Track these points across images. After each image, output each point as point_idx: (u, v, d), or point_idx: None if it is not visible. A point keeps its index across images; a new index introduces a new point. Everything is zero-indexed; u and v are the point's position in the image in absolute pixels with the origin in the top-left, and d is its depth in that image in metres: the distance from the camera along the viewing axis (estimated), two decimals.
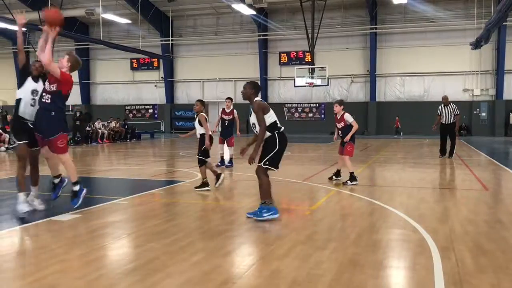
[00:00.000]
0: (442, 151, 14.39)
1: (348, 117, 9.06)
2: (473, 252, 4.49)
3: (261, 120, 5.77)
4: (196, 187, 8.21)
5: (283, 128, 6.00)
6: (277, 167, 6.00)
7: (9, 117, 19.86)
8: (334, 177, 9.36)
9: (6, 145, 17.50)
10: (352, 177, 8.84)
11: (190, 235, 5.08)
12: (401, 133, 28.95)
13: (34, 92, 6.12)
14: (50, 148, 6.42)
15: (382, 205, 6.81)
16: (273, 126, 5.87)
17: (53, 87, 6.16)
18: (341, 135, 9.19)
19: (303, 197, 7.87)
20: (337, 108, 9.19)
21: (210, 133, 8.28)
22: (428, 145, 20.35)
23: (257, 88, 6.05)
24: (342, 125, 9.08)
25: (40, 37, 6.45)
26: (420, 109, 28.81)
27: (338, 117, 9.16)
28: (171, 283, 3.62)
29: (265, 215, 5.74)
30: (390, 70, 30.10)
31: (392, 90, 30.48)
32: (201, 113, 8.34)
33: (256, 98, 5.97)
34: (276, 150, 5.86)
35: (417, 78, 29.80)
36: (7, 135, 17.74)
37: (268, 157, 5.86)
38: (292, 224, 5.84)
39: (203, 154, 8.19)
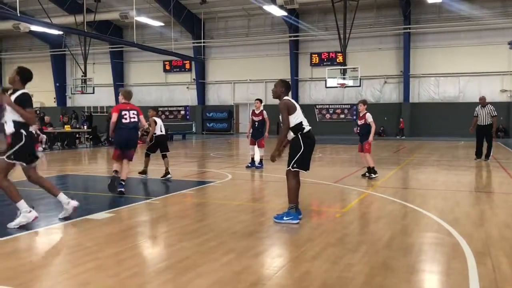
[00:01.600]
0: (478, 154, 14.01)
1: (369, 117, 9.90)
2: (510, 258, 4.35)
3: (284, 119, 5.72)
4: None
5: (309, 128, 5.88)
6: (306, 169, 5.93)
7: (47, 118, 20.47)
8: (367, 174, 9.96)
9: (44, 146, 18.02)
10: (373, 171, 9.80)
11: (221, 236, 5.11)
12: (403, 135, 29.01)
13: None
14: (128, 157, 8.15)
15: (415, 208, 6.68)
16: (297, 128, 5.80)
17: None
18: (359, 131, 10.24)
19: (334, 199, 7.80)
20: (361, 107, 10.19)
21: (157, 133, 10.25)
22: (463, 147, 19.85)
23: (287, 86, 5.99)
24: (362, 122, 10.06)
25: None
26: (455, 110, 28.16)
27: (361, 115, 10.17)
28: (202, 283, 3.65)
29: (285, 218, 5.74)
30: (424, 71, 29.52)
31: (426, 91, 29.89)
32: (152, 118, 10.32)
33: (285, 97, 5.88)
34: (301, 151, 5.80)
35: (452, 79, 29.13)
36: (44, 136, 18.29)
37: (294, 159, 5.81)
38: (322, 226, 5.79)
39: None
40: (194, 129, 34.49)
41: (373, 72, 29.83)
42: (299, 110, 5.84)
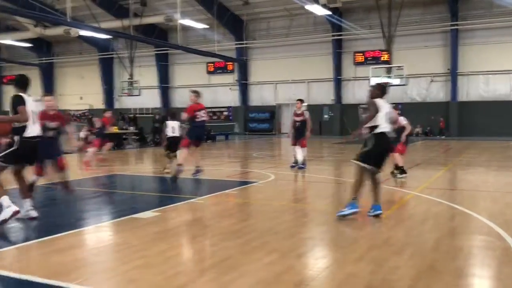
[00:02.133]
0: None
1: (402, 120, 10.09)
2: None
3: (370, 112, 6.04)
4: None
5: (385, 130, 6.09)
6: (372, 166, 6.06)
7: (97, 120, 21.12)
8: (395, 171, 9.83)
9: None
10: (402, 171, 9.66)
11: (263, 236, 5.14)
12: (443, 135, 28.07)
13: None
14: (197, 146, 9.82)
15: (464, 210, 6.47)
16: (373, 127, 6.07)
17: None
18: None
19: None
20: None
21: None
22: None
23: (382, 90, 6.39)
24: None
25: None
26: (506, 109, 27.02)
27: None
28: (245, 282, 3.68)
29: (346, 209, 5.92)
30: (473, 68, 28.47)
31: (475, 89, 28.83)
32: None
33: (378, 99, 6.18)
34: (369, 148, 6.03)
35: (503, 76, 27.95)
36: (93, 137, 18.87)
37: (360, 153, 6.07)
38: (367, 227, 5.71)
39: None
40: (236, 130, 34.74)
41: (419, 71, 29.06)
42: (382, 114, 6.08)
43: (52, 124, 7.10)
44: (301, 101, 12.33)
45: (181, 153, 9.99)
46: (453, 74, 28.44)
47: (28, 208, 5.71)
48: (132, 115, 28.40)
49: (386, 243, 4.86)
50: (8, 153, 5.53)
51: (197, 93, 9.92)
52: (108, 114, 14.13)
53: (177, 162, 9.85)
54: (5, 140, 6.60)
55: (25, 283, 3.69)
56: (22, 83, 5.91)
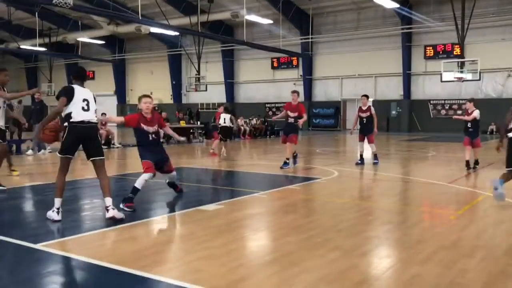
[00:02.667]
0: None
1: (477, 114, 10.71)
2: None
3: (506, 119, 6.28)
4: None
5: None
6: None
7: (164, 114, 21.86)
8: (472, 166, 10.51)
9: (162, 140, 19.27)
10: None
11: (326, 232, 5.09)
12: None
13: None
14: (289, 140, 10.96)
15: None
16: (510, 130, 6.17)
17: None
18: (469, 127, 10.77)
19: (448, 200, 7.36)
20: (469, 105, 10.95)
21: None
22: None
23: None
24: (470, 119, 10.73)
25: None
26: None
27: (469, 112, 10.83)
28: (307, 278, 3.67)
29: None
30: None
31: None
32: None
33: None
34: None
35: None
36: (161, 131, 19.55)
37: (508, 160, 6.38)
38: (435, 228, 5.50)
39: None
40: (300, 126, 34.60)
41: (495, 65, 27.48)
42: None
43: (151, 129, 6.64)
44: (367, 97, 12.17)
45: (289, 147, 11.09)
46: None
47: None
48: (189, 110, 29.03)
49: (455, 245, 4.65)
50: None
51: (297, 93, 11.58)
52: (220, 109, 15.00)
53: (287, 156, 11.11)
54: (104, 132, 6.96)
55: (95, 268, 3.90)
56: (80, 75, 6.09)
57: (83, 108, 5.60)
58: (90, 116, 5.65)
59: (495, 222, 5.79)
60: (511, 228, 5.41)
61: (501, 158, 13.76)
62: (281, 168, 10.78)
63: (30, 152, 13.92)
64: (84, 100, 5.70)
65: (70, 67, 45.69)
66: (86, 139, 5.61)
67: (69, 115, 5.50)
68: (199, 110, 35.98)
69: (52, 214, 5.42)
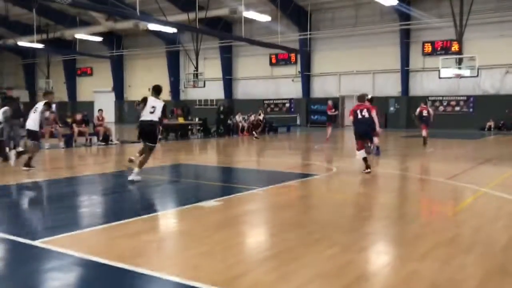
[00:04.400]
0: None
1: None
2: None
3: None
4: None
5: None
6: None
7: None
8: None
9: (160, 137, 19.25)
10: None
11: (325, 228, 5.10)
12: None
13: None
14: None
15: None
16: None
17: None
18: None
19: (446, 196, 7.37)
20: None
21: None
22: None
23: None
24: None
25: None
26: None
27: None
28: (305, 274, 3.68)
29: None
30: None
31: None
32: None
33: None
34: None
35: None
36: (160, 128, 19.54)
37: None
38: (433, 224, 5.52)
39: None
40: (298, 122, 34.58)
41: (493, 61, 27.47)
42: None
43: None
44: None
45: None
46: None
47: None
48: (187, 108, 28.91)
49: (453, 241, 4.67)
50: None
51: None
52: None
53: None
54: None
55: (93, 264, 3.90)
56: (156, 90, 8.89)
57: (150, 112, 8.32)
58: (152, 117, 8.33)
59: (493, 218, 5.80)
60: (509, 224, 5.43)
61: (498, 154, 13.80)
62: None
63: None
64: (153, 107, 8.37)
65: (68, 64, 45.63)
66: (146, 131, 8.41)
67: (140, 116, 8.43)
68: (196, 107, 35.94)
69: (136, 177, 8.02)
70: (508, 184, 8.44)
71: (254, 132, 21.40)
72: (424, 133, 15.99)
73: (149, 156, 8.42)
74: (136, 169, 8.16)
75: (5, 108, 11.51)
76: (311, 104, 34.51)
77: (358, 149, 9.63)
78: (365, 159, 9.55)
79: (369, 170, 9.38)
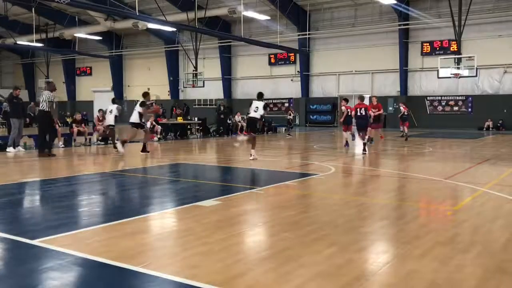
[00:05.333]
0: None
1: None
2: None
3: None
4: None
5: None
6: None
7: (161, 111, 21.76)
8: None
9: (158, 136, 19.26)
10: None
11: (323, 228, 5.11)
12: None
13: None
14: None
15: None
16: None
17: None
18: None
19: (445, 196, 7.39)
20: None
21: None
22: None
23: None
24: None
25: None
26: None
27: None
28: (304, 273, 3.69)
29: None
30: None
31: None
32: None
33: None
34: None
35: None
36: (159, 127, 19.56)
37: None
38: (431, 224, 5.53)
39: None
40: (297, 122, 34.60)
41: (492, 61, 27.53)
42: None
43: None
44: (347, 100, 15.88)
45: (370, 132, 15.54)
46: None
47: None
48: (186, 107, 28.95)
49: (452, 240, 4.68)
50: None
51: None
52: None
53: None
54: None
55: (92, 264, 3.90)
56: (260, 96, 12.28)
57: (254, 111, 11.90)
58: (255, 115, 11.97)
59: (491, 217, 5.81)
60: (507, 224, 5.44)
61: (496, 154, 13.82)
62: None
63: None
64: (256, 107, 11.87)
65: (68, 63, 45.59)
66: (251, 125, 12.51)
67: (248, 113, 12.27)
68: (195, 107, 35.93)
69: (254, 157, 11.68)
70: (506, 183, 8.45)
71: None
72: (406, 130, 19.37)
73: (254, 142, 12.13)
74: (253, 151, 11.87)
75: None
76: (310, 104, 34.53)
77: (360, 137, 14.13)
78: (364, 144, 13.66)
79: (365, 152, 13.36)
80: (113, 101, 15.92)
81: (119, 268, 3.78)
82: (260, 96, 12.25)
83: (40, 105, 12.40)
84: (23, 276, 3.61)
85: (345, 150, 14.68)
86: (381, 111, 16.87)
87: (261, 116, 12.24)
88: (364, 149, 13.41)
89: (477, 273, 3.72)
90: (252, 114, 12.03)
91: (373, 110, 16.13)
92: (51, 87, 12.74)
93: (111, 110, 14.97)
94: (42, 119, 12.48)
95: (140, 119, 12.97)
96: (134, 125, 12.98)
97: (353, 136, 16.68)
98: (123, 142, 12.97)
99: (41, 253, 4.17)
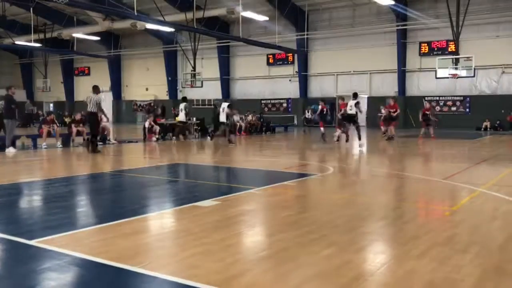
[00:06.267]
0: None
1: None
2: None
3: None
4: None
5: None
6: None
7: (159, 111, 21.75)
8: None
9: (157, 136, 19.24)
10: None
11: (322, 229, 5.11)
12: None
13: None
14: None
15: None
16: None
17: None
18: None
19: (443, 196, 7.40)
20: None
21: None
22: None
23: None
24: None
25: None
26: None
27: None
28: (302, 274, 3.69)
29: None
30: None
31: None
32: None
33: None
34: None
35: None
36: (157, 127, 19.54)
37: None
38: (429, 224, 5.54)
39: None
40: (295, 122, 34.61)
41: (490, 62, 27.57)
42: None
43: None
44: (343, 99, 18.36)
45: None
46: None
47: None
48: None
49: (450, 240, 4.69)
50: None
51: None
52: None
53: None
54: None
55: (90, 264, 3.90)
56: (356, 95, 14.76)
57: (349, 109, 15.29)
58: (351, 112, 15.20)
59: (489, 218, 5.83)
60: (505, 224, 5.45)
61: (494, 154, 13.85)
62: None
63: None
64: (351, 106, 15.04)
65: (66, 63, 45.51)
66: (349, 120, 16.13)
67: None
68: (193, 107, 35.81)
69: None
70: (504, 184, 8.47)
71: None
72: (393, 130, 19.54)
73: (347, 131, 15.95)
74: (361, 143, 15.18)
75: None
76: (308, 104, 34.50)
77: (339, 129, 17.50)
78: (346, 134, 17.10)
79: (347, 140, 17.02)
80: (184, 100, 19.71)
81: (117, 268, 3.78)
82: (355, 95, 15.98)
83: (89, 107, 13.70)
84: (21, 277, 3.61)
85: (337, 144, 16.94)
86: (398, 111, 19.34)
87: (356, 112, 15.98)
88: (347, 140, 17.37)
89: (475, 273, 3.73)
90: (349, 111, 16.14)
91: (391, 111, 18.61)
92: (97, 90, 13.95)
93: (181, 108, 18.71)
94: (92, 120, 13.94)
95: (226, 119, 16.68)
96: (223, 123, 16.90)
97: (347, 136, 18.00)
98: (222, 137, 17.19)
99: (39, 254, 4.17)
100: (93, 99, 13.72)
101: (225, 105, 17.01)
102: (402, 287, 3.48)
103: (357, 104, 15.70)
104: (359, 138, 16.33)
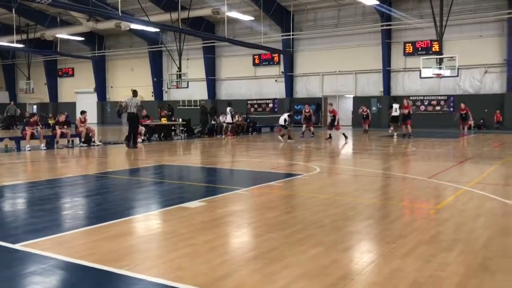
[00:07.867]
0: None
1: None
2: None
3: None
4: None
5: None
6: None
7: (144, 112, 21.62)
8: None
9: (143, 137, 19.12)
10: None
11: (309, 228, 5.13)
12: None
13: None
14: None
15: None
16: None
17: None
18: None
19: (428, 195, 7.47)
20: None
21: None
22: None
23: None
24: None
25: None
26: None
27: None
28: (289, 274, 3.70)
29: None
30: None
31: None
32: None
33: None
34: None
35: None
36: (143, 128, 19.40)
37: None
38: (415, 223, 5.59)
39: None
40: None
41: (473, 61, 27.95)
42: None
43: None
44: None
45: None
46: (510, 64, 27.19)
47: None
48: (170, 107, 28.77)
49: (435, 239, 4.73)
50: None
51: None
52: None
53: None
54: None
55: (75, 267, 3.86)
56: (395, 98, 17.33)
57: (394, 111, 20.32)
58: (395, 113, 20.07)
59: (473, 215, 5.89)
60: (489, 222, 5.52)
61: (478, 153, 14.03)
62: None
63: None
64: (395, 109, 20.27)
65: (50, 64, 45.00)
66: (395, 120, 20.96)
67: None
68: (179, 108, 35.72)
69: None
70: (488, 182, 8.58)
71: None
72: (366, 127, 24.12)
73: (396, 129, 19.35)
74: (396, 134, 18.67)
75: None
76: (295, 105, 34.60)
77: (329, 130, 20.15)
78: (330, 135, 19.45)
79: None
80: (229, 104, 22.99)
81: (103, 271, 3.74)
82: (395, 99, 19.53)
83: (129, 109, 15.83)
84: (5, 281, 3.55)
85: (329, 142, 19.02)
86: (410, 110, 21.41)
87: (399, 114, 20.33)
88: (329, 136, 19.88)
89: (459, 270, 3.77)
90: (393, 113, 20.79)
91: (406, 111, 20.41)
92: (136, 94, 16.36)
93: (227, 112, 22.25)
94: (132, 121, 15.89)
95: (284, 122, 19.69)
96: (283, 126, 19.76)
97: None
98: (283, 136, 19.30)
99: (23, 257, 4.11)
100: (134, 101, 15.76)
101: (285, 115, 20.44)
102: (388, 285, 3.50)
103: (400, 107, 20.39)
104: (404, 136, 20.04)
